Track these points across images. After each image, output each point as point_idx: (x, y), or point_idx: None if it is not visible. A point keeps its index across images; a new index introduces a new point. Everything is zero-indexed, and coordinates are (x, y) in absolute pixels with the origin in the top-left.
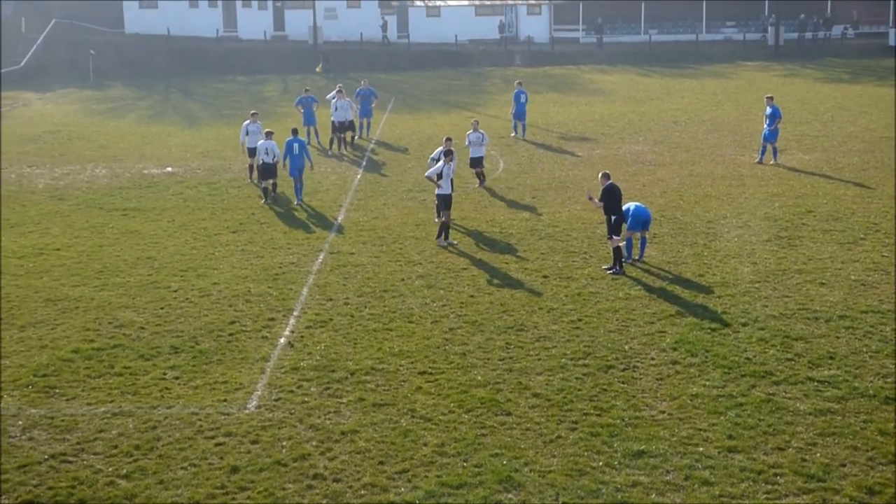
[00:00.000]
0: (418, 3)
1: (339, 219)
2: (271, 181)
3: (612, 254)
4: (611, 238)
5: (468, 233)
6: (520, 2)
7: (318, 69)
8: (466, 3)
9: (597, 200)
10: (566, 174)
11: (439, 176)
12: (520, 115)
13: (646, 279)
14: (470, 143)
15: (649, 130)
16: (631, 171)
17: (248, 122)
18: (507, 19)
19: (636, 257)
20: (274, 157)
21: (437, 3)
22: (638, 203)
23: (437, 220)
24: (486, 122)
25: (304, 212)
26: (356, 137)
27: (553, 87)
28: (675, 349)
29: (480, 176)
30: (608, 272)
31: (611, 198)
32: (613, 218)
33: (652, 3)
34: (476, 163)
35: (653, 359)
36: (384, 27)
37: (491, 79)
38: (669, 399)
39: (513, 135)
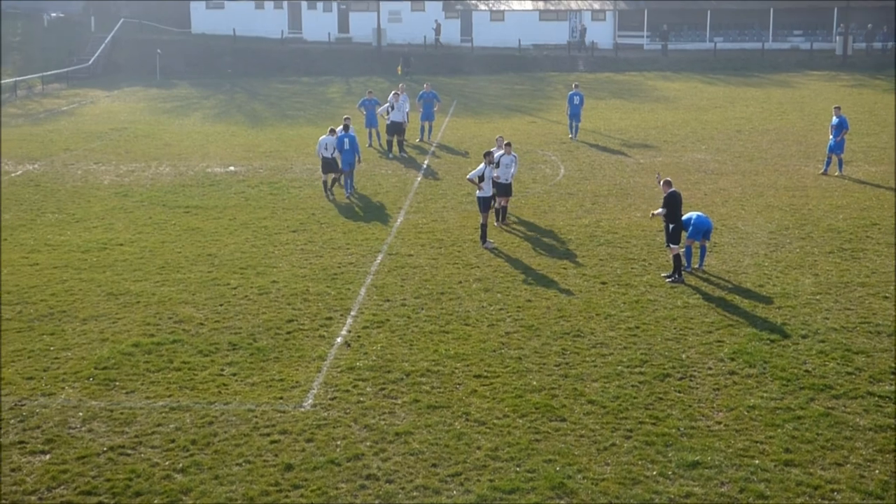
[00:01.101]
0: (482, 7)
1: (399, 220)
2: (332, 175)
3: (671, 262)
4: (669, 246)
5: (526, 237)
6: (585, 7)
7: (398, 70)
8: (531, 7)
9: (657, 210)
10: (627, 181)
11: (481, 178)
12: (574, 115)
13: (705, 288)
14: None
15: (712, 139)
16: (693, 179)
17: (324, 136)
18: (573, 24)
19: (695, 266)
20: (333, 151)
21: (502, 8)
22: (700, 213)
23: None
24: (547, 126)
25: (363, 213)
26: (419, 140)
27: (616, 94)
28: (732, 359)
29: (502, 211)
30: (667, 280)
31: (672, 205)
32: (672, 226)
33: (718, 11)
34: (506, 190)
35: (710, 369)
36: (437, 30)
37: (554, 84)
38: (726, 410)
39: (570, 136)
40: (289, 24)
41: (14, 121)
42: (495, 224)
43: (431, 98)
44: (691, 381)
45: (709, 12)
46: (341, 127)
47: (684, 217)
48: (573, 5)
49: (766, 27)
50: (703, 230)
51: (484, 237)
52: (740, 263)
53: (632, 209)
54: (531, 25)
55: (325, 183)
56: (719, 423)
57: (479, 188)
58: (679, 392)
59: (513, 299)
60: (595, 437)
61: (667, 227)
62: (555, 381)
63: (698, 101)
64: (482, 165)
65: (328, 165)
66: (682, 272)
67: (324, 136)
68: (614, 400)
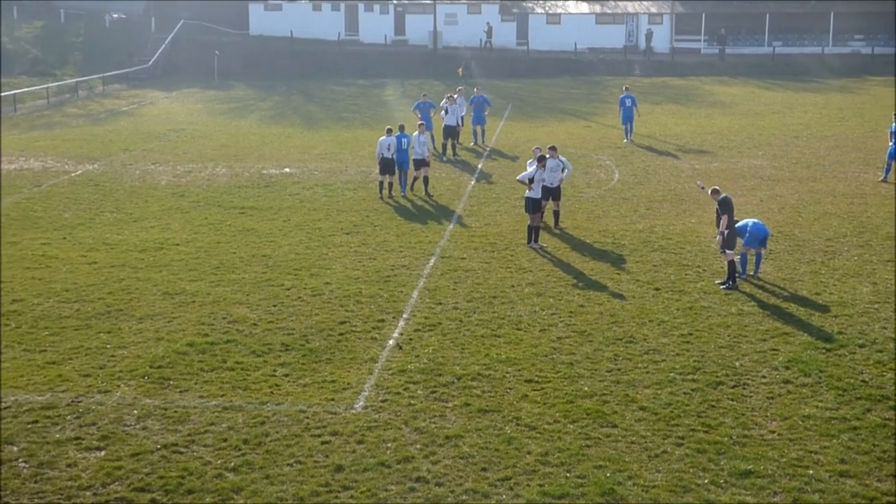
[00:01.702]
0: (539, 10)
1: (452, 224)
2: (388, 177)
3: (725, 268)
4: (724, 252)
5: (580, 242)
6: (642, 11)
7: (460, 73)
8: (587, 10)
9: (722, 225)
10: (682, 186)
11: (531, 180)
12: (627, 119)
13: (760, 296)
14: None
15: (769, 145)
16: (749, 185)
17: (384, 137)
18: (629, 27)
19: (751, 273)
20: (393, 152)
21: (558, 11)
22: (756, 220)
23: (558, 227)
24: (602, 131)
25: (417, 216)
26: (472, 144)
27: (672, 99)
28: (787, 368)
29: (555, 215)
30: (721, 287)
31: (729, 210)
32: (727, 231)
33: (777, 15)
34: (552, 194)
35: (764, 377)
36: (489, 32)
37: (609, 88)
38: (780, 419)
39: (625, 141)
40: (345, 26)
41: (75, 121)
42: (554, 228)
43: (482, 102)
44: (745, 389)
45: (767, 16)
46: (398, 127)
47: (740, 224)
48: (630, 9)
49: (826, 31)
50: (759, 237)
51: (530, 238)
52: (796, 271)
53: (686, 215)
54: (587, 29)
55: (380, 184)
56: (773, 432)
57: (530, 188)
58: (732, 400)
59: (565, 304)
60: (646, 444)
61: (722, 233)
62: (606, 387)
63: (755, 106)
64: (533, 168)
65: (386, 166)
66: (737, 279)
67: (383, 137)
68: (666, 407)
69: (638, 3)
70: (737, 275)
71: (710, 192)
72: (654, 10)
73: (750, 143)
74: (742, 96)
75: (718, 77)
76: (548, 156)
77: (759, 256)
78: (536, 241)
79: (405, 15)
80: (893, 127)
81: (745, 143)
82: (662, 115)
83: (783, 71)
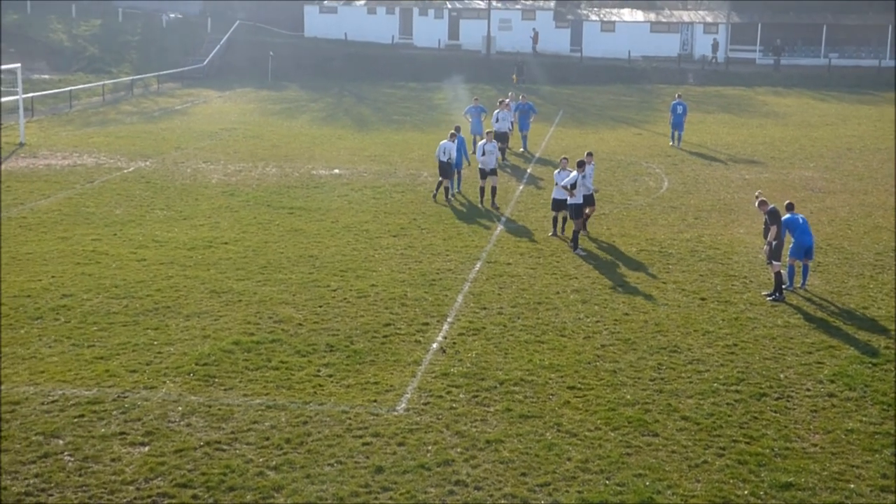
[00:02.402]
0: (593, 18)
1: (498, 229)
2: (446, 180)
3: (772, 279)
4: (771, 263)
5: (626, 250)
6: (697, 20)
7: (514, 79)
8: (642, 18)
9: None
10: (731, 196)
11: (573, 186)
12: (677, 125)
13: (807, 308)
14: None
15: (821, 156)
16: (799, 197)
17: (445, 141)
18: (684, 36)
19: (798, 285)
20: (449, 156)
21: (613, 18)
22: (802, 217)
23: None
24: (653, 139)
25: (464, 220)
26: (521, 150)
27: (724, 108)
28: (832, 381)
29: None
30: (767, 298)
31: (777, 221)
32: (774, 243)
33: (834, 27)
34: (589, 200)
35: (808, 390)
36: (535, 38)
37: (662, 96)
38: (823, 432)
39: (671, 144)
40: (400, 30)
41: (129, 118)
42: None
43: (528, 109)
44: (788, 401)
45: (825, 27)
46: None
47: (787, 217)
48: (685, 17)
49: (884, 44)
50: (804, 248)
51: (575, 244)
52: (845, 284)
53: (735, 225)
54: (641, 37)
55: (439, 184)
56: (815, 445)
57: (572, 195)
58: (775, 412)
59: (610, 312)
60: (687, 454)
61: (769, 244)
62: (649, 396)
63: (809, 117)
64: (574, 173)
65: (444, 170)
66: (784, 291)
67: (444, 141)
68: (708, 417)
69: (693, 11)
70: (784, 287)
71: (757, 203)
72: (709, 19)
73: (802, 154)
74: (796, 107)
75: (772, 87)
76: (586, 161)
77: (806, 268)
78: (577, 246)
79: (459, 20)
80: None
81: (797, 155)
82: (714, 124)
83: (839, 83)
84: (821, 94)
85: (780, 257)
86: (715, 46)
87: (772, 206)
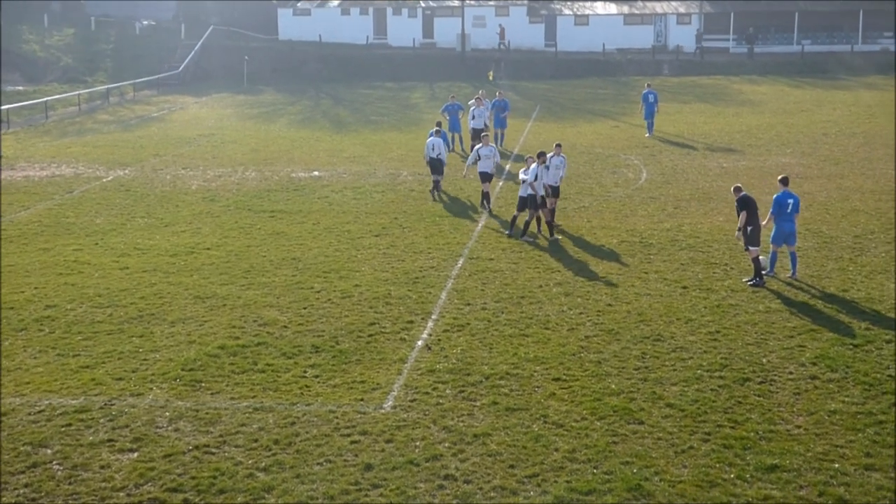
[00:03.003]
0: (567, 12)
1: (479, 225)
2: (439, 176)
3: (752, 265)
4: (748, 249)
5: (607, 241)
6: (670, 11)
7: (489, 76)
8: (615, 11)
9: (740, 224)
10: (710, 185)
11: (536, 178)
12: (649, 114)
13: (787, 293)
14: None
15: (798, 143)
16: (777, 183)
17: (431, 137)
18: (658, 28)
19: (788, 274)
20: (439, 153)
21: (586, 12)
22: (789, 194)
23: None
24: (630, 130)
25: (444, 217)
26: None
27: (701, 98)
28: (814, 364)
29: (550, 213)
30: (748, 284)
31: (749, 208)
32: (751, 228)
33: (806, 13)
34: (554, 192)
35: (791, 373)
36: (501, 34)
37: (638, 88)
38: (806, 414)
39: (647, 135)
40: (374, 30)
41: (106, 127)
42: (549, 236)
43: (504, 106)
44: (771, 385)
45: (797, 14)
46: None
47: (778, 194)
48: (658, 9)
49: (856, 29)
50: (784, 234)
51: (524, 231)
52: (824, 268)
53: (714, 213)
54: (615, 30)
55: (436, 183)
56: (799, 427)
57: (532, 188)
58: (759, 396)
59: (593, 303)
60: (673, 440)
61: (745, 230)
62: (634, 385)
63: (784, 104)
64: (534, 165)
65: (436, 166)
66: (764, 277)
67: (431, 138)
68: (693, 403)
69: (666, 3)
70: (764, 272)
71: (732, 189)
72: (682, 9)
73: (778, 141)
74: (771, 95)
75: (747, 76)
76: (551, 154)
77: (794, 256)
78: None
79: (433, 18)
80: None
81: (774, 142)
82: (691, 114)
83: (812, 69)
84: (795, 81)
85: (757, 243)
86: (699, 37)
87: (744, 193)
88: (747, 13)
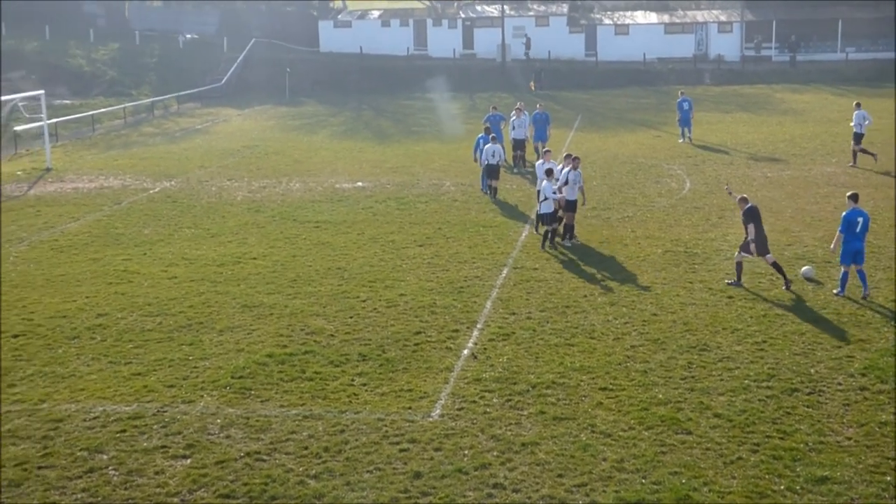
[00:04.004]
0: (607, 21)
1: (523, 234)
2: (495, 181)
3: (781, 274)
4: (740, 252)
5: (652, 251)
6: (711, 20)
7: (531, 86)
8: (656, 20)
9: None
10: (754, 195)
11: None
12: (684, 121)
13: (835, 303)
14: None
15: (842, 152)
16: (822, 193)
17: (490, 144)
18: (698, 36)
19: (861, 296)
20: (499, 159)
21: (626, 22)
22: (859, 212)
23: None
24: (673, 140)
25: (488, 227)
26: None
27: (743, 107)
28: (864, 375)
29: (568, 228)
30: (729, 285)
31: (755, 219)
32: (750, 238)
33: (850, 20)
34: (571, 206)
35: (840, 384)
36: (527, 44)
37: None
38: (856, 426)
39: (680, 140)
40: (414, 41)
41: (151, 139)
42: (559, 241)
43: (544, 119)
44: (820, 396)
45: (840, 22)
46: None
47: (847, 212)
48: (699, 17)
49: None
50: (851, 253)
51: (543, 242)
52: (872, 278)
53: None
54: (656, 39)
55: (491, 188)
56: (849, 438)
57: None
58: (808, 407)
59: (638, 313)
60: (721, 451)
61: (752, 241)
62: (681, 395)
63: (828, 113)
64: (566, 169)
65: (493, 172)
66: (741, 280)
67: (488, 144)
68: (741, 414)
69: (707, 11)
70: (835, 293)
71: (737, 199)
72: (723, 18)
73: (823, 150)
74: (814, 103)
75: (790, 84)
76: (569, 167)
77: (862, 275)
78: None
79: (473, 29)
80: None
81: (818, 151)
82: (733, 123)
83: (856, 77)
84: (839, 89)
85: (748, 251)
86: (758, 46)
87: (751, 204)
88: (789, 21)
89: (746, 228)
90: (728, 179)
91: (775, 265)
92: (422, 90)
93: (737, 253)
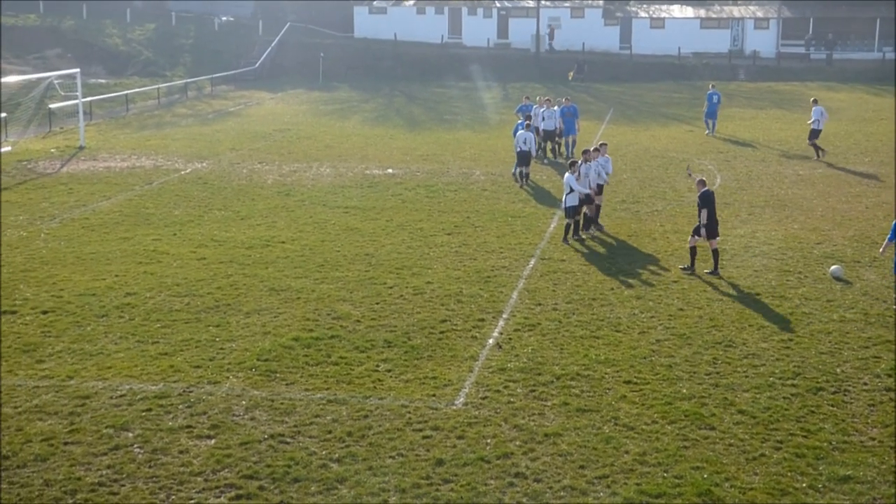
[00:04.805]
0: (643, 15)
1: (552, 225)
2: (526, 168)
3: (711, 256)
4: (692, 237)
5: (680, 246)
6: (748, 15)
7: (570, 77)
8: (692, 15)
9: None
10: (785, 192)
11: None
12: (711, 114)
13: (862, 302)
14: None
15: (876, 151)
16: (854, 192)
17: (522, 131)
18: (734, 32)
19: None
20: (529, 146)
21: (662, 15)
22: None
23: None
24: (705, 135)
25: (517, 217)
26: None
27: (777, 104)
28: (889, 376)
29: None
30: (683, 271)
31: (709, 203)
32: (703, 223)
33: (887, 19)
34: (588, 198)
35: (865, 384)
36: (551, 34)
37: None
38: (881, 426)
39: (707, 132)
40: (449, 30)
41: (184, 120)
42: (582, 233)
43: (573, 112)
44: (845, 395)
45: (878, 20)
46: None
47: None
48: (735, 13)
49: None
50: None
51: (565, 234)
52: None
53: (789, 221)
54: (691, 33)
55: (521, 174)
56: (873, 438)
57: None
58: (832, 406)
59: (664, 307)
60: (744, 447)
61: (703, 226)
62: (705, 390)
63: (863, 112)
64: (568, 175)
65: (524, 158)
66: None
67: (521, 131)
68: (765, 411)
69: (744, 7)
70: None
71: (696, 181)
72: (760, 14)
73: (857, 149)
74: (849, 102)
75: (825, 82)
76: (589, 157)
77: None
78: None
79: (508, 18)
80: None
81: (852, 150)
82: (767, 119)
83: (893, 76)
84: (875, 89)
85: (717, 234)
86: (807, 43)
87: (707, 188)
88: (827, 19)
89: (700, 212)
90: (689, 161)
91: (714, 252)
92: (455, 79)
93: (690, 238)
